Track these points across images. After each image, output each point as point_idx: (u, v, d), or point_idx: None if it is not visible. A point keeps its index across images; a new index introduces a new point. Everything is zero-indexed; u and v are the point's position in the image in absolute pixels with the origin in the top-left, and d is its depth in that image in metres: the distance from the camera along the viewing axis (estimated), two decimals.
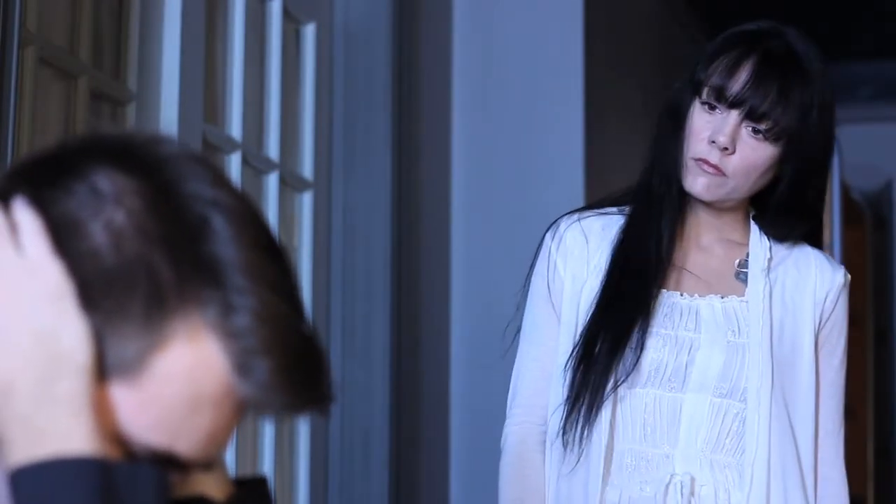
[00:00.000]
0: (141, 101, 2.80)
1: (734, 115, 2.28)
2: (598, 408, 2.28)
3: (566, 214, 2.45)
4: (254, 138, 3.27)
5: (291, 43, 3.50)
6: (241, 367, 0.95)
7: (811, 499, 2.32)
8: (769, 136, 2.29)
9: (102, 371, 0.94)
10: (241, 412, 0.98)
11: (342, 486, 3.50)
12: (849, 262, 4.69)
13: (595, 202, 2.53)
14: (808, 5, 5.78)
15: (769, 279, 2.36)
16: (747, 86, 2.28)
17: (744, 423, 2.29)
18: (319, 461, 3.47)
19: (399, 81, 3.65)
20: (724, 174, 2.30)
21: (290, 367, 0.96)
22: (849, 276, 2.43)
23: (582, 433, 2.29)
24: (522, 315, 2.45)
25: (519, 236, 3.82)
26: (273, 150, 3.32)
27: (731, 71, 2.30)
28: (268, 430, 3.22)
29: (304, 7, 3.50)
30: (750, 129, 2.29)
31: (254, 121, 3.28)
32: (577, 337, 2.33)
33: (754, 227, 2.40)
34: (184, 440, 0.96)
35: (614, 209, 2.43)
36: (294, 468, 3.41)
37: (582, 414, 2.29)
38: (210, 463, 1.01)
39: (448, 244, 3.91)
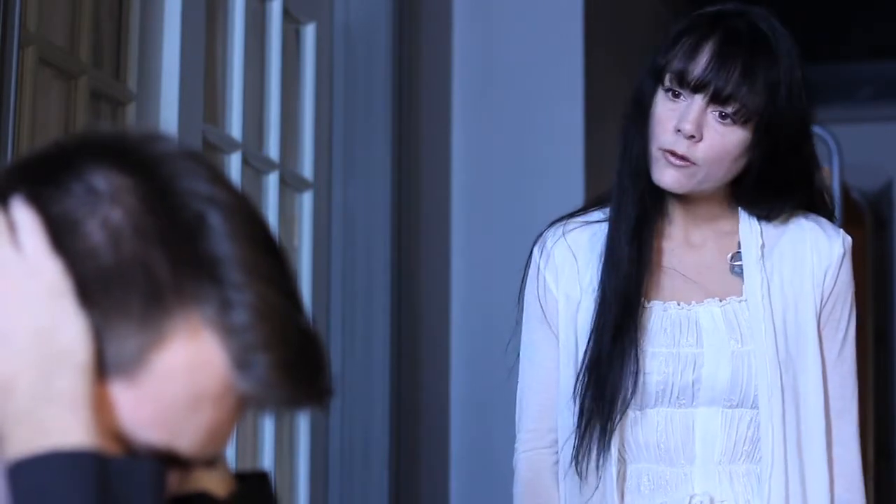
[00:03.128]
0: (141, 101, 2.80)
1: (698, 99, 2.19)
2: (611, 435, 2.23)
3: (551, 226, 2.38)
4: (254, 138, 3.27)
5: (291, 43, 3.50)
6: (241, 362, 0.95)
7: (829, 497, 2.27)
8: (737, 119, 2.19)
9: (102, 369, 0.95)
10: (241, 408, 0.98)
11: (342, 487, 3.51)
12: None
13: (581, 207, 2.45)
14: (808, 5, 5.79)
15: (765, 272, 2.28)
16: (709, 67, 2.18)
17: (758, 428, 2.24)
18: (319, 462, 3.47)
19: (399, 81, 3.65)
20: (693, 164, 2.20)
21: (290, 362, 0.96)
22: (849, 241, 2.32)
23: (597, 461, 2.24)
24: (520, 331, 2.40)
25: (519, 236, 3.82)
26: (273, 150, 3.32)
27: (692, 54, 2.20)
28: (267, 432, 3.22)
29: (304, 7, 3.50)
30: (716, 113, 2.19)
31: (254, 121, 3.28)
32: (580, 362, 2.28)
33: (743, 216, 2.31)
34: (184, 437, 0.96)
35: (600, 214, 2.36)
36: (294, 469, 3.41)
37: (594, 442, 2.24)
38: (212, 460, 1.01)
39: (448, 244, 3.91)
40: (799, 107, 2.24)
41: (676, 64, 2.22)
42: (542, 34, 3.98)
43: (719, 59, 2.19)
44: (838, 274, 2.30)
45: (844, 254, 2.31)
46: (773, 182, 2.28)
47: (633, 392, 2.23)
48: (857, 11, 5.99)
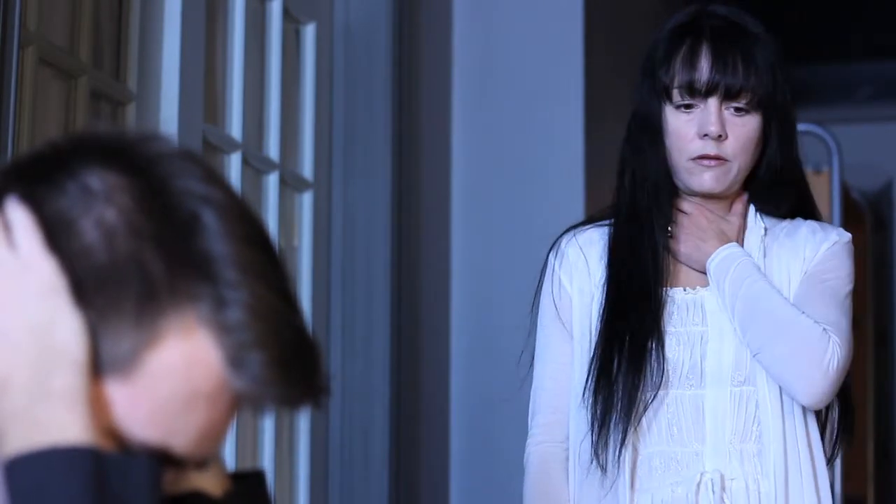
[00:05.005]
0: (141, 101, 2.80)
1: (713, 102, 2.30)
2: (630, 426, 2.28)
3: (565, 232, 2.45)
4: (254, 138, 3.28)
5: (291, 43, 3.51)
6: (235, 361, 0.96)
7: (823, 476, 2.31)
8: (751, 107, 2.31)
9: (97, 367, 0.95)
10: (236, 407, 0.98)
11: (342, 487, 3.51)
12: None
13: (590, 217, 2.53)
14: (808, 5, 5.79)
15: (765, 262, 2.35)
16: (714, 70, 2.30)
17: None
18: (319, 462, 3.48)
19: (399, 81, 3.65)
20: (726, 160, 2.32)
21: (284, 360, 0.97)
22: (846, 235, 2.39)
23: (615, 451, 2.28)
24: (535, 339, 2.44)
25: (519, 236, 3.83)
26: (273, 150, 3.33)
27: (692, 63, 2.31)
28: (267, 432, 3.22)
29: (304, 7, 3.50)
30: (732, 109, 2.31)
31: (254, 121, 3.28)
32: (592, 360, 2.32)
33: (751, 211, 2.40)
34: (179, 436, 0.97)
35: (608, 221, 2.43)
36: (294, 470, 3.41)
37: (613, 435, 2.28)
38: (206, 460, 1.02)
39: (448, 244, 3.92)
40: (789, 80, 2.37)
41: (680, 78, 2.32)
42: (542, 34, 3.99)
43: (719, 60, 2.31)
44: (827, 252, 2.35)
45: (839, 241, 2.37)
46: (783, 164, 2.37)
47: (656, 379, 2.29)
48: (857, 11, 5.99)
